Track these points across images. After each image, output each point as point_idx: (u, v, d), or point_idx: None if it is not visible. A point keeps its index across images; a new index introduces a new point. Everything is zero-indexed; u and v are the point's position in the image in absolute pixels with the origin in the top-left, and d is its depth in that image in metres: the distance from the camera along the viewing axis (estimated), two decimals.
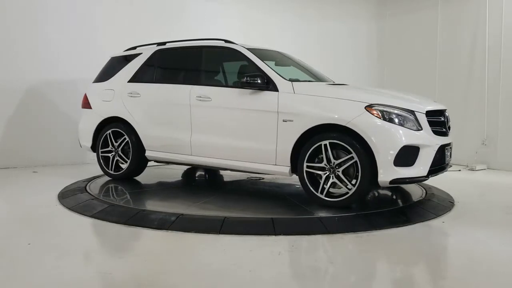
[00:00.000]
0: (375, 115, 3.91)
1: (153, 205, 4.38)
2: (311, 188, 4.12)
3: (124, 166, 5.35)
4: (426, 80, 8.63)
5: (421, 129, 4.01)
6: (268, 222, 3.66)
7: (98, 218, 3.89)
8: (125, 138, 5.24)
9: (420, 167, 3.96)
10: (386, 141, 3.86)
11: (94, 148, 5.57)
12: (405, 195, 4.82)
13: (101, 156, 5.45)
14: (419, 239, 3.60)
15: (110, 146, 5.37)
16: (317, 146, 4.06)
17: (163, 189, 5.36)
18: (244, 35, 7.57)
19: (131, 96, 5.20)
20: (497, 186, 6.02)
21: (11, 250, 3.15)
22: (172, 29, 7.29)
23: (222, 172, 6.04)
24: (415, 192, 4.93)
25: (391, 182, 3.89)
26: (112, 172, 5.40)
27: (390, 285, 2.66)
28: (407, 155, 3.90)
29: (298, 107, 4.16)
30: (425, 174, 4.00)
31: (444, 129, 4.31)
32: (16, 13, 6.59)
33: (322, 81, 4.97)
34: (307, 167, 4.11)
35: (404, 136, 3.88)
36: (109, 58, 5.81)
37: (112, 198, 4.57)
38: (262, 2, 8.60)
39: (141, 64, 5.33)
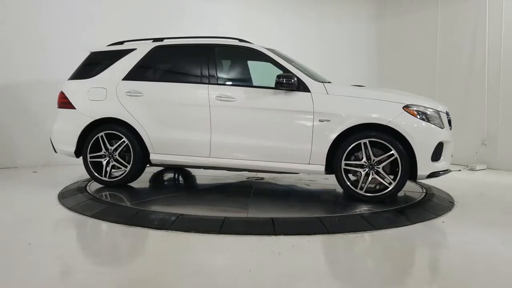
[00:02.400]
0: (413, 114, 4.24)
1: (153, 205, 4.37)
2: (350, 185, 4.32)
3: (116, 171, 4.93)
4: (426, 80, 8.63)
5: (443, 127, 4.39)
6: (268, 222, 3.66)
7: (98, 218, 3.88)
8: (123, 141, 4.81)
9: (444, 161, 4.38)
10: (425, 138, 4.23)
11: (78, 153, 5.03)
12: (405, 195, 4.82)
13: (90, 161, 4.93)
14: (419, 239, 3.60)
15: (103, 150, 4.88)
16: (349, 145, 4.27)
17: (161, 189, 5.36)
18: (243, 35, 7.56)
19: (131, 96, 4.81)
20: (497, 186, 6.02)
21: (11, 250, 3.15)
22: (172, 29, 7.28)
23: (209, 172, 5.99)
24: (415, 192, 4.93)
25: (428, 176, 4.27)
26: (106, 179, 4.90)
27: (390, 285, 2.66)
28: (437, 151, 4.29)
29: (335, 108, 4.31)
30: (448, 167, 4.45)
31: (450, 127, 4.61)
32: (14, 14, 6.59)
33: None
34: (345, 165, 4.30)
35: (437, 133, 4.29)
36: (88, 53, 5.30)
37: (111, 198, 4.56)
38: (262, 2, 8.60)
39: (137, 60, 4.94)
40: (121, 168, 4.89)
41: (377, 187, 4.30)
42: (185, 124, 4.67)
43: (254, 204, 4.36)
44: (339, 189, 5.57)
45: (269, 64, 4.69)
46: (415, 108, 4.27)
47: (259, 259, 2.98)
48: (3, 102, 6.58)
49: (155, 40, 5.11)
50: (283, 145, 4.41)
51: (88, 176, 5.49)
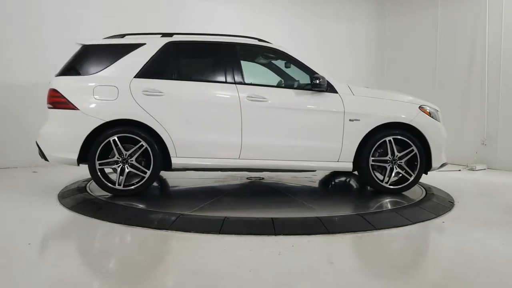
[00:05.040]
0: (427, 113, 4.76)
1: (153, 205, 4.36)
2: (377, 179, 4.69)
3: (120, 179, 4.44)
4: (426, 80, 8.64)
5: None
6: (268, 222, 3.66)
7: (98, 218, 3.88)
8: (141, 145, 4.38)
9: (444, 154, 4.92)
10: (438, 134, 4.79)
11: (80, 160, 4.42)
12: (405, 195, 4.82)
13: (99, 169, 4.40)
14: (419, 239, 3.60)
15: (117, 155, 4.39)
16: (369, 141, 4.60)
17: (161, 189, 5.36)
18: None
19: (149, 95, 4.39)
20: (497, 186, 6.02)
21: (11, 250, 3.14)
22: (170, 28, 7.28)
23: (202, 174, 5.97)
24: (415, 192, 4.93)
25: (439, 167, 4.85)
26: (121, 188, 4.42)
27: (390, 285, 2.66)
28: None
29: (363, 108, 4.61)
30: (446, 160, 4.99)
31: None
32: (14, 15, 6.59)
33: None
34: (372, 160, 4.65)
35: (443, 130, 4.89)
36: (80, 46, 4.70)
37: (111, 198, 4.55)
38: (261, 2, 8.60)
39: (150, 56, 4.53)
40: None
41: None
42: (214, 125, 4.48)
43: (254, 204, 4.36)
44: (337, 189, 5.58)
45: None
46: (426, 108, 4.79)
47: (259, 259, 2.98)
48: (3, 102, 6.58)
49: (164, 35, 4.76)
50: (315, 144, 4.55)
51: (87, 176, 5.47)
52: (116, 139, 4.37)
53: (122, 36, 4.79)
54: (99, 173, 4.41)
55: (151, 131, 4.40)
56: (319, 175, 6.08)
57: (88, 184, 5.10)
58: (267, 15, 8.57)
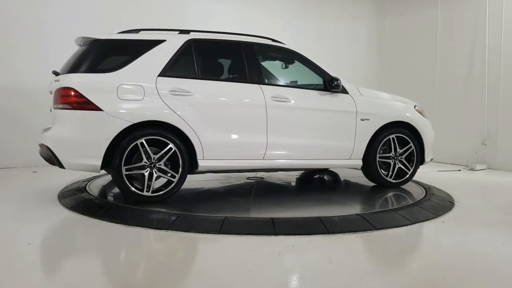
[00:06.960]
0: (420, 112, 5.18)
1: (152, 205, 4.36)
2: (382, 174, 4.98)
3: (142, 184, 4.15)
4: (426, 80, 8.63)
5: None
6: (268, 222, 3.66)
7: (98, 218, 3.88)
8: (170, 148, 4.13)
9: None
10: (429, 132, 5.21)
11: (104, 165, 4.06)
12: (405, 195, 4.83)
13: (125, 174, 4.05)
14: (419, 239, 3.61)
15: (144, 159, 4.09)
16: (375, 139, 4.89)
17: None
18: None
19: (176, 95, 4.16)
20: (497, 186, 6.02)
21: (11, 250, 3.14)
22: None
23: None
24: (415, 192, 4.93)
25: (430, 161, 5.30)
26: (149, 194, 4.12)
27: (390, 285, 2.66)
28: None
29: (372, 108, 4.89)
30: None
31: None
32: (17, 15, 6.59)
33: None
34: (379, 157, 4.94)
35: (431, 127, 5.27)
36: (89, 40, 4.29)
37: (111, 198, 4.56)
38: (261, 2, 8.60)
39: (172, 54, 4.27)
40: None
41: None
42: (242, 126, 4.42)
43: (255, 204, 4.35)
44: (337, 188, 5.58)
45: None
46: (418, 108, 5.19)
47: (259, 259, 2.98)
48: (3, 102, 6.58)
49: (181, 31, 4.53)
50: (333, 143, 4.75)
51: (87, 176, 5.49)
52: (144, 142, 4.07)
53: (137, 31, 4.46)
54: (125, 179, 4.05)
55: (178, 133, 4.18)
56: (299, 173, 6.09)
57: (88, 184, 5.10)
58: (268, 15, 8.57)
